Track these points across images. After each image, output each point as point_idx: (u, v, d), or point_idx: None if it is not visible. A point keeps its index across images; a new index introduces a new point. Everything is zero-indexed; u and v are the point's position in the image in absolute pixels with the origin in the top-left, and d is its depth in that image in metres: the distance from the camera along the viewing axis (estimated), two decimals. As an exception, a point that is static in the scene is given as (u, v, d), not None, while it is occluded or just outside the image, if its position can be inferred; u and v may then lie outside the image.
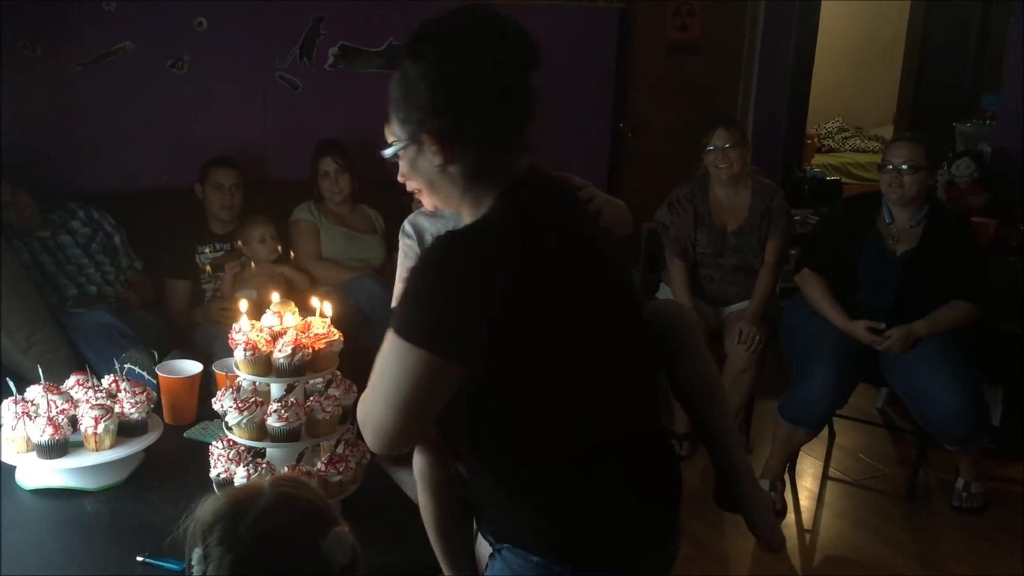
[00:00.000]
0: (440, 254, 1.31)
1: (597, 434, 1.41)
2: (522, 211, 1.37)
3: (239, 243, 3.56)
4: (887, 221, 3.34)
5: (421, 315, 1.30)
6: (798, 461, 3.64)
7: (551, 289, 1.33)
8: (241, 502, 1.19)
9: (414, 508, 1.88)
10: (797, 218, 4.19)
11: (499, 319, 1.29)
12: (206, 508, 1.19)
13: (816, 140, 7.92)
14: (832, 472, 3.68)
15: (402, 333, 1.30)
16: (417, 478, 1.57)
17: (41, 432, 1.85)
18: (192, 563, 1.16)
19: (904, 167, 3.23)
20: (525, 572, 1.41)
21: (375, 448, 1.39)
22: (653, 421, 1.52)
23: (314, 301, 1.96)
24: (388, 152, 1.43)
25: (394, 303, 1.34)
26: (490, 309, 1.28)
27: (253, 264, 3.51)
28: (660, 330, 1.58)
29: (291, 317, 1.92)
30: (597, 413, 1.40)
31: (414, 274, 1.33)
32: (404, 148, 1.40)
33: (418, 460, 1.55)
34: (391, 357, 1.32)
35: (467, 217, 1.41)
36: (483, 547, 1.51)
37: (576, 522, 1.40)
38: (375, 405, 1.35)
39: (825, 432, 3.73)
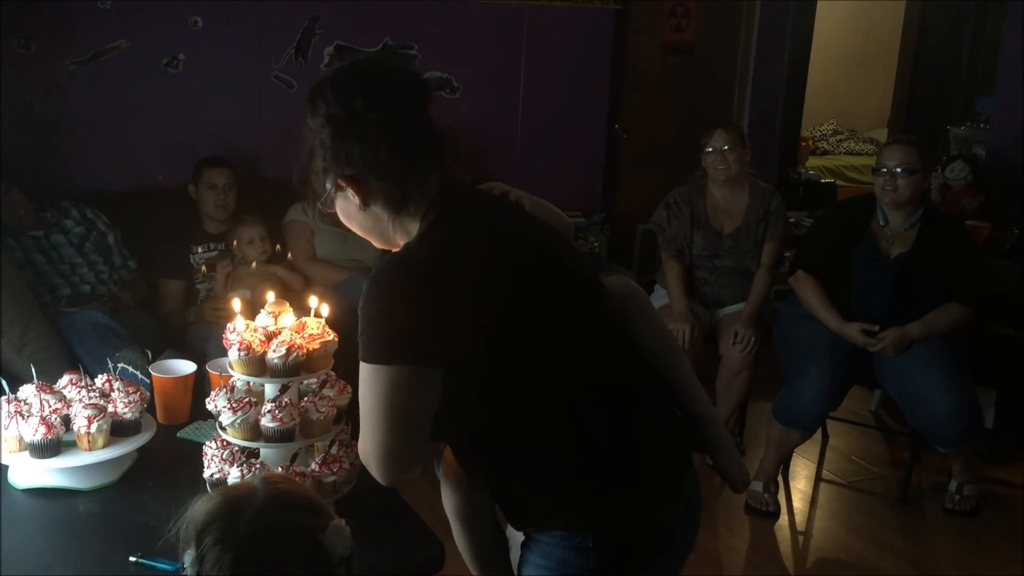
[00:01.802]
0: (381, 279, 1.39)
1: (585, 405, 1.46)
2: (449, 220, 1.44)
3: (233, 243, 3.56)
4: (881, 224, 3.34)
5: (379, 336, 1.38)
6: (791, 463, 3.64)
7: (495, 280, 1.41)
8: (236, 500, 1.18)
9: (408, 508, 1.89)
10: (791, 220, 4.19)
11: (452, 318, 1.36)
12: (198, 509, 1.17)
13: (810, 142, 7.93)
14: (825, 474, 3.69)
15: (368, 358, 1.38)
16: (448, 513, 1.63)
17: (34, 431, 1.85)
18: (185, 566, 1.15)
19: (898, 170, 3.23)
20: (552, 550, 1.48)
21: (386, 478, 1.44)
22: (647, 388, 1.57)
23: (312, 300, 1.96)
24: (320, 203, 1.52)
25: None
26: (441, 311, 1.36)
27: (254, 264, 3.50)
28: (623, 297, 1.65)
29: (287, 317, 1.92)
30: (580, 386, 1.46)
31: (364, 305, 1.39)
32: (331, 196, 1.49)
33: (446, 496, 1.61)
34: (367, 385, 1.39)
35: (401, 238, 1.50)
36: (516, 536, 1.57)
37: (586, 489, 1.45)
38: (369, 435, 1.42)
39: (818, 434, 3.73)
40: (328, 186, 1.49)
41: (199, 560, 1.13)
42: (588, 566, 1.46)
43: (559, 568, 1.48)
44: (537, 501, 1.49)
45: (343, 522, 1.20)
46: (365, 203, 1.47)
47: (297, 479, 1.75)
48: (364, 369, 1.39)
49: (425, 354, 1.37)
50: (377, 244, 1.55)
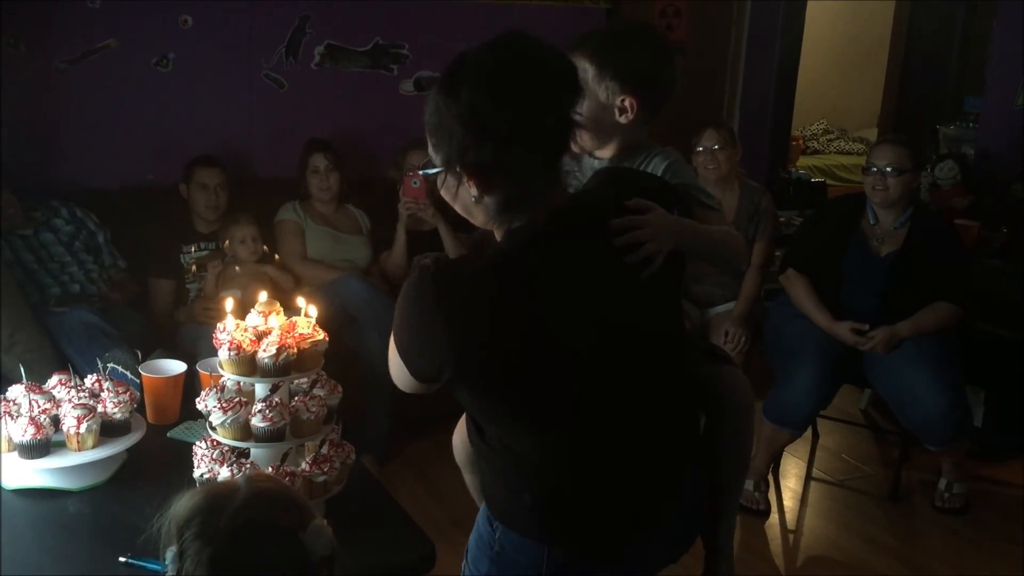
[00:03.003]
0: (416, 290, 1.35)
1: (564, 438, 1.42)
2: (522, 248, 1.38)
3: (224, 242, 3.55)
4: (871, 222, 3.36)
5: (403, 336, 1.39)
6: (782, 461, 3.65)
7: (524, 326, 1.34)
8: (218, 497, 1.18)
9: (399, 508, 1.89)
10: (782, 219, 4.21)
11: (472, 348, 1.33)
12: (181, 504, 1.18)
13: (801, 142, 7.95)
14: (815, 472, 3.70)
15: (393, 336, 1.40)
16: (457, 458, 1.70)
17: (23, 432, 1.84)
18: (167, 562, 1.15)
19: (888, 169, 3.24)
20: (481, 528, 1.52)
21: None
22: (658, 433, 1.50)
23: (300, 301, 1.96)
24: (423, 172, 1.45)
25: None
26: (461, 341, 1.32)
27: (237, 267, 3.50)
28: (718, 397, 1.61)
29: (276, 317, 1.92)
30: (577, 426, 1.42)
31: (404, 295, 1.37)
32: (441, 174, 1.41)
33: (456, 446, 1.68)
34: (392, 343, 1.42)
35: (497, 235, 1.45)
36: None
37: (504, 497, 1.47)
38: (390, 366, 1.46)
39: (809, 432, 3.74)
40: (439, 162, 1.40)
41: (179, 556, 1.13)
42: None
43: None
44: (487, 486, 1.51)
45: (325, 523, 1.20)
46: (481, 195, 1.39)
47: (287, 479, 1.75)
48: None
49: (430, 376, 1.38)
50: (472, 222, 1.48)
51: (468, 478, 1.79)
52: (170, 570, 1.14)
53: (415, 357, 1.38)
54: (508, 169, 1.37)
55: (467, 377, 1.36)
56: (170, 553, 1.15)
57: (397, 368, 1.43)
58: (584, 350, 1.39)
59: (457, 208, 1.46)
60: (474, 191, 1.39)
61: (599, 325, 1.40)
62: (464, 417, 1.63)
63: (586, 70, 1.68)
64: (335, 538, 1.20)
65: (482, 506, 1.53)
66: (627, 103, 1.73)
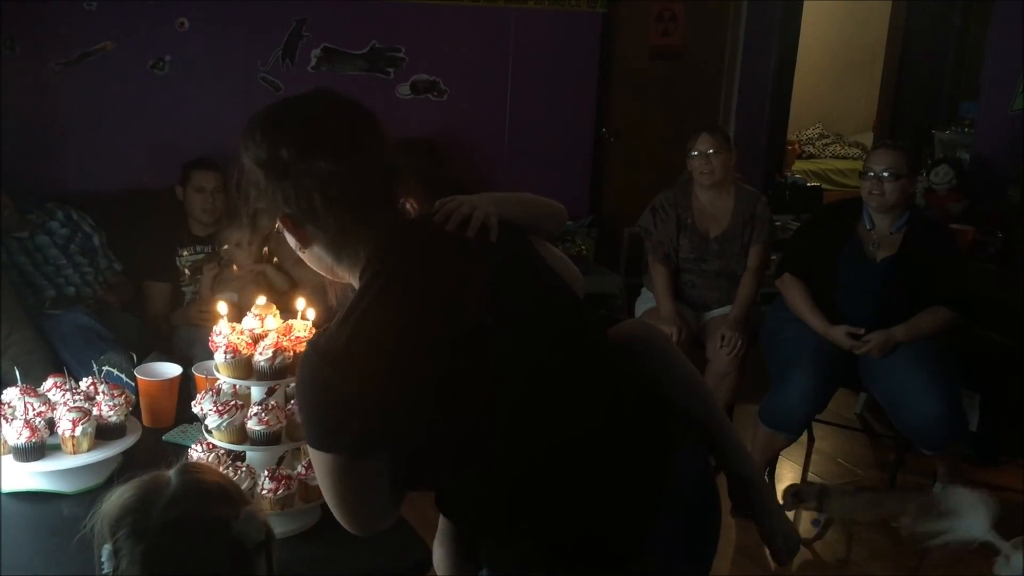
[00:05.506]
0: (305, 370, 1.32)
1: (518, 464, 1.36)
2: (383, 287, 1.33)
3: (222, 247, 3.55)
4: (867, 227, 3.36)
5: (308, 422, 1.35)
6: (777, 465, 3.65)
7: (424, 361, 1.30)
8: (148, 492, 1.18)
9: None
10: (778, 224, 4.21)
11: (378, 410, 1.28)
12: (111, 503, 1.18)
13: (797, 146, 7.97)
14: (811, 476, 3.70)
15: (309, 441, 1.35)
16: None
17: (18, 434, 1.84)
18: (103, 559, 1.15)
19: (885, 174, 3.25)
20: None
21: (354, 533, 1.42)
22: (616, 444, 1.42)
23: (299, 303, 1.96)
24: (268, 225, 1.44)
25: None
26: (365, 405, 1.28)
27: (234, 267, 3.49)
28: (632, 351, 1.55)
29: (272, 320, 1.92)
30: (523, 448, 1.36)
31: (295, 387, 1.36)
32: (276, 227, 1.41)
33: (437, 555, 1.61)
34: (313, 459, 1.37)
35: (349, 279, 1.43)
36: None
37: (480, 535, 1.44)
38: (329, 501, 1.39)
39: (804, 437, 3.74)
40: (261, 224, 1.41)
41: (115, 554, 1.13)
42: None
43: None
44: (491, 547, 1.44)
45: (257, 508, 1.21)
46: (304, 244, 1.41)
47: (283, 482, 1.75)
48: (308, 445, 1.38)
49: (353, 448, 1.30)
50: (328, 276, 1.47)
51: (445, 561, 1.63)
52: (106, 568, 1.14)
53: (335, 436, 1.30)
54: (314, 219, 1.36)
55: (395, 429, 1.30)
56: (106, 551, 1.15)
57: (335, 495, 1.36)
58: (489, 355, 1.34)
59: (306, 260, 1.45)
60: (295, 243, 1.40)
61: (493, 326, 1.34)
62: (439, 533, 1.59)
63: None
64: (268, 523, 1.21)
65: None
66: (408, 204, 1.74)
